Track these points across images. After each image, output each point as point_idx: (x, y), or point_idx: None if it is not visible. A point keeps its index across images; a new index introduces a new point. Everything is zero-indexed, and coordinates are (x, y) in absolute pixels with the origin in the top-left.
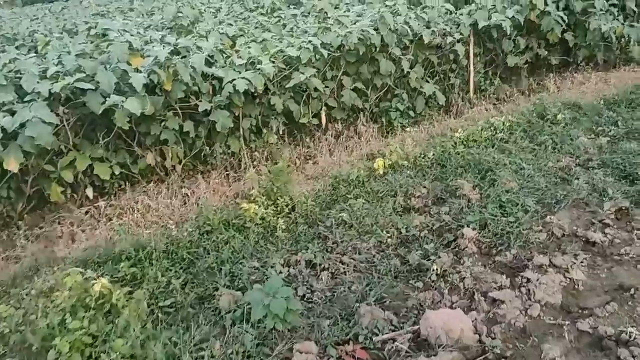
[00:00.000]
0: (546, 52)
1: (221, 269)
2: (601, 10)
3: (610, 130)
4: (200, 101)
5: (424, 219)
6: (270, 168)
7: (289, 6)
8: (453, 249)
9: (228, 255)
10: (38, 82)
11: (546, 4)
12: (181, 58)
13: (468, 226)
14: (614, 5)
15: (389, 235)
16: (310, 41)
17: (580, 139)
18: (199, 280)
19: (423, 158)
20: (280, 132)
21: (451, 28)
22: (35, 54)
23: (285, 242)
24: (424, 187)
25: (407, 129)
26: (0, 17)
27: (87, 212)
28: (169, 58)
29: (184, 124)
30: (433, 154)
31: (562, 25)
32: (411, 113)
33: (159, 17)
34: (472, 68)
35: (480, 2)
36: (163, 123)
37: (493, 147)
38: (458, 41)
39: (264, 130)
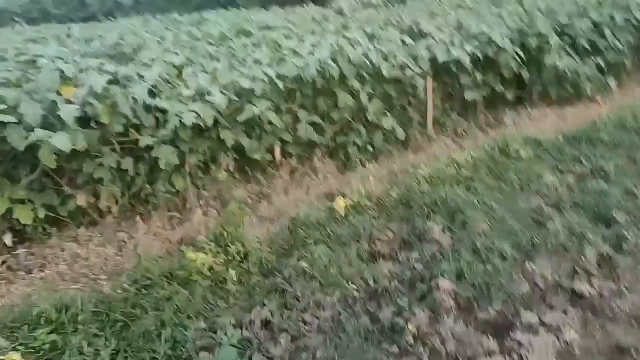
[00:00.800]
0: (503, 88)
1: (161, 333)
2: (556, 47)
3: (575, 168)
4: (142, 135)
5: (393, 268)
6: (222, 212)
7: (238, 36)
8: (429, 303)
9: (170, 315)
10: None
11: (502, 41)
12: (122, 88)
13: (443, 276)
14: (568, 43)
15: (355, 288)
16: (264, 72)
17: (547, 178)
18: (133, 349)
19: (387, 198)
20: (231, 169)
21: (410, 62)
22: None
23: (238, 296)
24: (390, 230)
25: (367, 166)
26: None
27: (3, 263)
28: (107, 88)
29: (123, 160)
30: (397, 194)
31: (518, 62)
32: (370, 148)
33: (99, 45)
34: (431, 102)
35: (438, 37)
36: (98, 160)
37: (459, 185)
38: (418, 75)
39: (213, 167)
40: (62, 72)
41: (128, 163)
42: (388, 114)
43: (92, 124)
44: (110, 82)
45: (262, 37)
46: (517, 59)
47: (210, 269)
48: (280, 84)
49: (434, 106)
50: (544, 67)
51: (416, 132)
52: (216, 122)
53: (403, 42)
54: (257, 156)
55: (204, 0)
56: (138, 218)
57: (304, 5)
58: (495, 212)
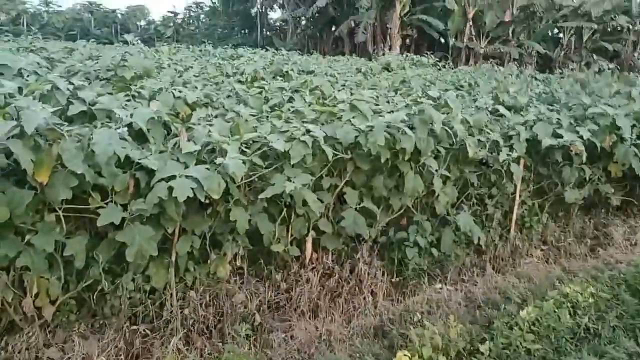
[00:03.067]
0: (611, 190)
1: None
2: None
3: None
4: (107, 204)
5: None
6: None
7: (274, 77)
8: None
9: None
10: None
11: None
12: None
13: None
14: None
15: None
16: (308, 131)
17: None
18: None
19: (474, 355)
20: (238, 263)
21: (503, 141)
22: None
23: None
24: None
25: (434, 285)
26: None
27: None
28: (58, 126)
29: (69, 241)
30: (490, 348)
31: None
32: (434, 251)
33: (91, 63)
34: (517, 197)
35: (540, 111)
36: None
37: (580, 342)
38: (513, 160)
39: (212, 256)
40: None
41: (76, 245)
42: (464, 206)
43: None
44: (79, 117)
45: (302, 82)
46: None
47: None
48: (329, 151)
49: (519, 202)
50: None
51: (495, 235)
52: (227, 192)
53: (494, 112)
54: (278, 248)
55: (244, 39)
56: (87, 330)
57: (346, 56)
58: None
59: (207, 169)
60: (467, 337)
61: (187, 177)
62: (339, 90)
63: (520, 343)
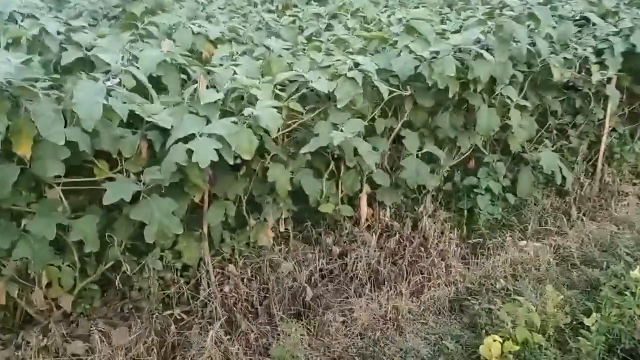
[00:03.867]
0: None
1: None
2: None
3: None
4: (115, 175)
5: None
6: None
7: (307, 2)
8: None
9: None
10: None
11: None
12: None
13: None
14: None
15: None
16: (357, 64)
17: None
18: None
19: (577, 332)
20: (282, 229)
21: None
22: None
23: None
24: None
25: (512, 237)
26: None
27: None
28: (30, 82)
29: (75, 222)
30: (598, 322)
31: None
32: (509, 197)
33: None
34: (607, 124)
35: (637, 14)
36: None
37: None
38: (608, 81)
39: (251, 222)
40: None
41: (86, 225)
42: (547, 141)
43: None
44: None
45: (340, 4)
46: None
47: None
48: (384, 88)
49: (609, 130)
50: None
51: (579, 172)
52: (262, 147)
53: (582, 19)
54: (326, 209)
55: None
56: (112, 315)
57: None
58: None
59: (235, 122)
60: (567, 308)
61: (209, 135)
62: (382, 12)
63: (635, 312)
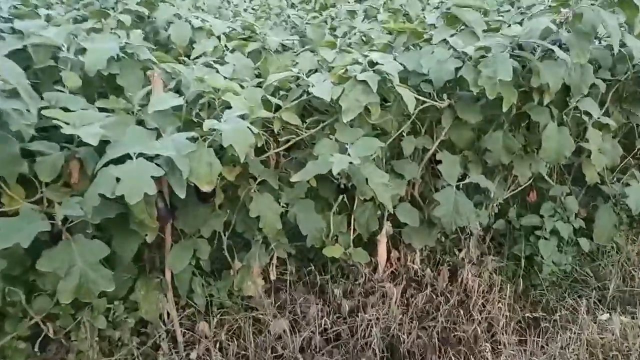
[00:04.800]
0: None
1: None
2: None
3: None
4: (22, 207)
5: None
6: None
7: (348, 1)
8: None
9: None
10: None
11: None
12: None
13: None
14: None
15: None
16: (373, 63)
17: None
18: None
19: None
20: (272, 276)
21: None
22: None
23: None
24: None
25: (587, 306)
26: None
27: None
28: None
29: None
30: None
31: None
32: (583, 242)
33: None
34: None
35: None
36: None
37: None
38: None
39: (235, 265)
40: None
41: None
42: (635, 171)
43: None
44: None
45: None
46: None
47: None
48: (408, 96)
49: None
50: None
51: None
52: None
53: None
54: (334, 253)
55: None
56: None
57: None
58: None
59: (193, 138)
60: None
61: (152, 157)
62: (430, 12)
63: None
